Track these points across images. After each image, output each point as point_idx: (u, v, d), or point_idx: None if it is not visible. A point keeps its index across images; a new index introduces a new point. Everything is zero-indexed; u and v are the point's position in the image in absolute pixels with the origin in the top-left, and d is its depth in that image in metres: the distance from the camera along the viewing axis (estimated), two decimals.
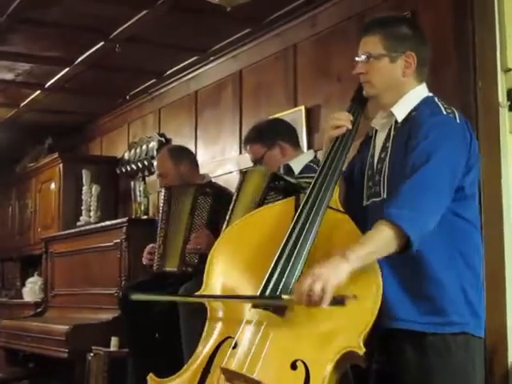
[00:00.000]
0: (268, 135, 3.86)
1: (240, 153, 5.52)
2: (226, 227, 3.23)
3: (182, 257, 4.17)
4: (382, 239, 2.31)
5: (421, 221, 2.33)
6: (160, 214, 4.43)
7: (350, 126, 2.62)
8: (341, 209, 2.56)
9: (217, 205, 4.15)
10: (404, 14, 4.05)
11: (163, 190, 4.50)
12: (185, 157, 4.67)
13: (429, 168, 2.36)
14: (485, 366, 2.67)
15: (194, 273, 4.01)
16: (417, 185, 2.35)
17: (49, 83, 6.59)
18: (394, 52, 2.56)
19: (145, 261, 4.43)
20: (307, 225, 2.43)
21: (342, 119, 2.63)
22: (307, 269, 2.35)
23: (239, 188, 3.50)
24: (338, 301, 2.23)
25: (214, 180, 4.86)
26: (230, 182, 5.31)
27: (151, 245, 4.41)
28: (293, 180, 3.20)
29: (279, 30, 5.19)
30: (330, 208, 2.52)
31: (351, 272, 2.26)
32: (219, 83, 5.93)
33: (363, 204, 2.62)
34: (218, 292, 2.56)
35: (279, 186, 3.25)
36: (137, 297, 2.58)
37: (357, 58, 2.63)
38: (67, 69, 6.16)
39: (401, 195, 2.36)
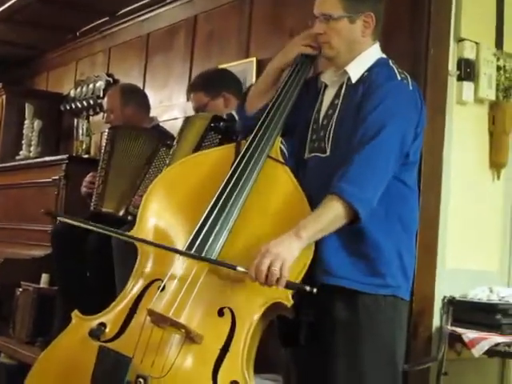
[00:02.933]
0: (213, 84, 3.85)
1: (187, 100, 5.45)
2: None
3: (125, 201, 4.12)
4: (334, 216, 2.33)
5: (370, 197, 2.35)
6: (102, 154, 4.36)
7: (317, 52, 2.61)
8: (281, 159, 2.55)
9: None
10: None
11: (107, 130, 4.43)
12: (134, 99, 4.61)
13: (380, 142, 2.37)
14: (410, 329, 2.72)
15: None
16: (367, 159, 2.36)
17: None
18: (354, 13, 2.53)
19: (83, 189, 4.38)
20: (245, 173, 2.44)
21: (315, 41, 2.61)
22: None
23: (181, 133, 3.48)
24: (294, 285, 2.26)
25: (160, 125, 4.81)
26: (176, 127, 5.22)
27: (91, 173, 4.35)
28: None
29: None
30: (270, 158, 2.51)
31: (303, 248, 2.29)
32: (172, 27, 5.83)
33: (304, 156, 2.62)
34: (150, 234, 2.53)
35: (219, 126, 3.24)
36: (63, 219, 2.54)
37: (309, 23, 2.60)
38: None
39: (351, 169, 2.35)
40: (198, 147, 3.28)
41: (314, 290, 2.23)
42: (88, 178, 4.38)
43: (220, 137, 3.25)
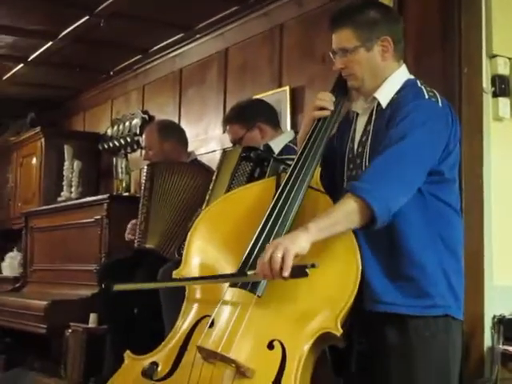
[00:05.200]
0: (248, 116, 3.86)
1: (224, 132, 5.49)
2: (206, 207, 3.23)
3: (170, 238, 4.15)
4: (345, 211, 2.31)
5: (387, 195, 2.31)
6: (142, 191, 4.40)
7: (332, 108, 2.61)
8: (321, 189, 2.56)
9: None
10: None
11: (146, 167, 4.47)
12: (172, 135, 4.65)
13: (401, 146, 2.36)
14: (462, 349, 2.69)
15: None
16: (386, 160, 2.36)
17: (32, 56, 6.54)
18: (369, 41, 2.54)
19: (127, 236, 4.41)
20: (287, 204, 2.44)
21: (326, 100, 2.62)
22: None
23: (219, 168, 3.50)
24: (299, 270, 2.22)
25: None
26: (214, 160, 5.28)
27: (134, 220, 4.38)
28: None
29: (266, 9, 5.17)
30: (311, 188, 2.52)
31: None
32: (204, 61, 5.90)
33: (343, 186, 2.62)
34: (196, 271, 2.55)
35: (250, 156, 3.26)
36: (118, 287, 2.57)
37: (331, 54, 2.62)
38: (51, 43, 6.12)
39: (370, 170, 2.37)
40: (232, 179, 3.30)
41: (316, 265, 2.21)
42: (130, 224, 4.42)
43: (252, 164, 3.26)
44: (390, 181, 2.33)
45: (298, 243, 2.23)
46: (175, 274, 2.56)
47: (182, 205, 4.25)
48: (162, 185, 4.31)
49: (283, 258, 2.19)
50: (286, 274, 2.20)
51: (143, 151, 4.85)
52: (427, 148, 2.42)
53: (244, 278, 2.31)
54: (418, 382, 2.42)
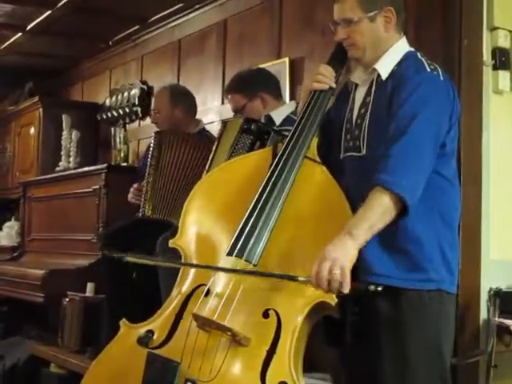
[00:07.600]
0: (250, 86, 3.82)
1: (222, 103, 5.48)
2: None
3: (172, 207, 4.14)
4: (383, 209, 2.31)
5: (415, 185, 2.34)
6: (149, 160, 4.35)
7: (334, 85, 2.61)
8: (318, 159, 2.56)
9: None
10: None
11: (154, 134, 4.43)
12: (183, 101, 4.61)
13: (416, 129, 2.36)
14: (457, 322, 2.69)
15: None
16: (406, 147, 2.35)
17: (31, 25, 6.49)
18: (372, 11, 2.52)
19: (131, 197, 4.40)
20: (283, 174, 2.45)
21: (327, 76, 2.61)
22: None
23: (219, 138, 3.47)
24: (358, 287, 2.26)
25: None
26: (212, 131, 5.26)
27: (136, 184, 4.36)
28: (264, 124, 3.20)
29: None
30: (307, 158, 2.52)
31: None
32: (203, 32, 5.86)
33: (340, 157, 2.62)
34: (192, 240, 2.56)
35: (251, 128, 3.24)
36: (131, 259, 2.57)
37: (331, 25, 2.61)
38: (49, 11, 6.06)
39: (389, 162, 2.35)
40: (232, 151, 3.28)
41: (379, 288, 2.23)
42: (133, 188, 4.39)
43: (252, 137, 3.25)
44: (413, 169, 2.35)
45: (351, 256, 2.25)
46: (171, 243, 2.57)
47: (187, 176, 4.22)
48: (168, 155, 4.26)
49: (342, 276, 2.21)
50: (346, 291, 2.23)
51: (151, 114, 4.78)
52: (436, 127, 2.42)
53: (292, 279, 2.30)
54: (410, 352, 2.43)
